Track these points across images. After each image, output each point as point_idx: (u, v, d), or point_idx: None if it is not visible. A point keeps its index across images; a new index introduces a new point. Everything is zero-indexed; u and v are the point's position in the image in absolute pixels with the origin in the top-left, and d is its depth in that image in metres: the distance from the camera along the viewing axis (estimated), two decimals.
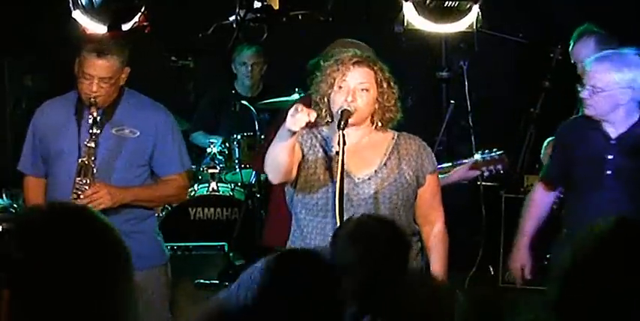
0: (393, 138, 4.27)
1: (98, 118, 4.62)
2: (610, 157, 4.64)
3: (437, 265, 4.27)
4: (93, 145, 4.63)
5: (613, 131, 4.66)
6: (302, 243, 4.19)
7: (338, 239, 3.38)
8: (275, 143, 4.03)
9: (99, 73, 4.62)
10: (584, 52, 5.48)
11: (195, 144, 7.33)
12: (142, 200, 4.75)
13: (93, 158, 4.62)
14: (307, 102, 4.36)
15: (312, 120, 3.89)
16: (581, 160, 4.71)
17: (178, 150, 4.89)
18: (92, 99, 4.62)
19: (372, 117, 4.19)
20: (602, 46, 5.45)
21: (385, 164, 4.21)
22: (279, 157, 4.03)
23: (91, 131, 4.62)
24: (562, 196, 5.03)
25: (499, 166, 5.20)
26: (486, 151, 5.21)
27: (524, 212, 4.92)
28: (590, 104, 4.62)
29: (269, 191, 5.11)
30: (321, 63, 4.24)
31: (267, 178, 5.06)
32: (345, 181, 4.06)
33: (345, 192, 4.06)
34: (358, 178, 4.17)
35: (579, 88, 4.65)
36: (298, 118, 3.85)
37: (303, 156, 4.19)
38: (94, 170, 4.63)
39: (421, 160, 4.25)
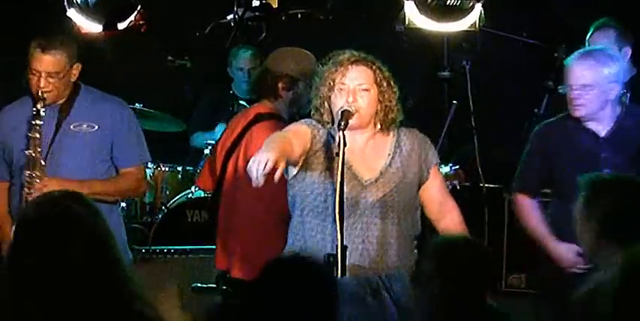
0: (393, 136, 4.24)
1: (42, 110, 4.63)
2: (604, 155, 4.59)
3: None
4: (37, 135, 4.65)
5: (600, 129, 4.61)
6: (300, 244, 4.16)
7: (425, 253, 3.46)
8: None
9: (45, 68, 4.64)
10: (604, 42, 5.47)
11: (195, 146, 7.31)
12: (98, 193, 4.64)
13: (39, 149, 4.64)
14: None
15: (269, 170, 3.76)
16: (570, 163, 4.60)
17: (136, 143, 4.90)
18: (40, 93, 4.61)
19: (375, 119, 4.16)
20: (622, 39, 5.42)
21: (390, 164, 4.19)
22: None
23: (34, 122, 4.64)
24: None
25: (455, 182, 5.13)
26: (442, 165, 5.13)
27: (528, 223, 4.74)
28: (582, 104, 4.55)
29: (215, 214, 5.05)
30: (320, 67, 4.19)
31: (214, 195, 5.01)
32: (352, 184, 4.09)
33: (352, 195, 4.08)
34: (365, 181, 4.15)
35: (561, 90, 4.56)
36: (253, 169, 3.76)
37: (310, 152, 4.14)
38: (42, 162, 4.64)
39: (424, 153, 4.26)
